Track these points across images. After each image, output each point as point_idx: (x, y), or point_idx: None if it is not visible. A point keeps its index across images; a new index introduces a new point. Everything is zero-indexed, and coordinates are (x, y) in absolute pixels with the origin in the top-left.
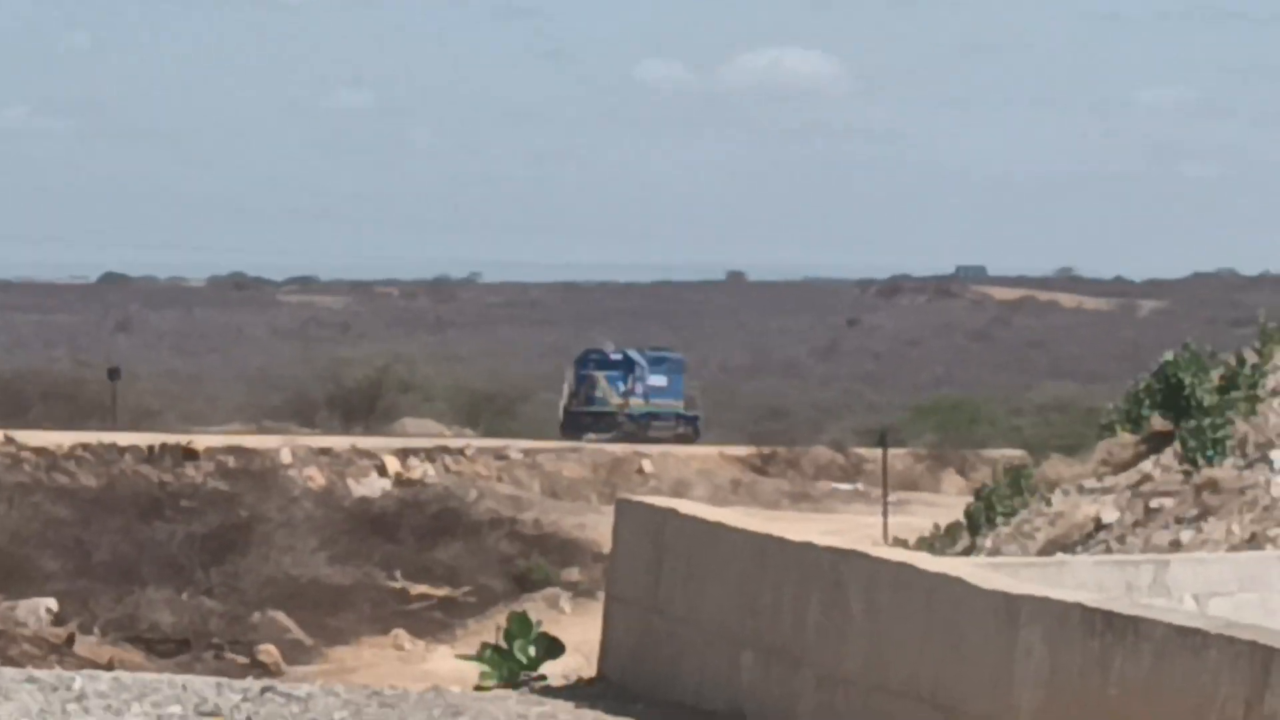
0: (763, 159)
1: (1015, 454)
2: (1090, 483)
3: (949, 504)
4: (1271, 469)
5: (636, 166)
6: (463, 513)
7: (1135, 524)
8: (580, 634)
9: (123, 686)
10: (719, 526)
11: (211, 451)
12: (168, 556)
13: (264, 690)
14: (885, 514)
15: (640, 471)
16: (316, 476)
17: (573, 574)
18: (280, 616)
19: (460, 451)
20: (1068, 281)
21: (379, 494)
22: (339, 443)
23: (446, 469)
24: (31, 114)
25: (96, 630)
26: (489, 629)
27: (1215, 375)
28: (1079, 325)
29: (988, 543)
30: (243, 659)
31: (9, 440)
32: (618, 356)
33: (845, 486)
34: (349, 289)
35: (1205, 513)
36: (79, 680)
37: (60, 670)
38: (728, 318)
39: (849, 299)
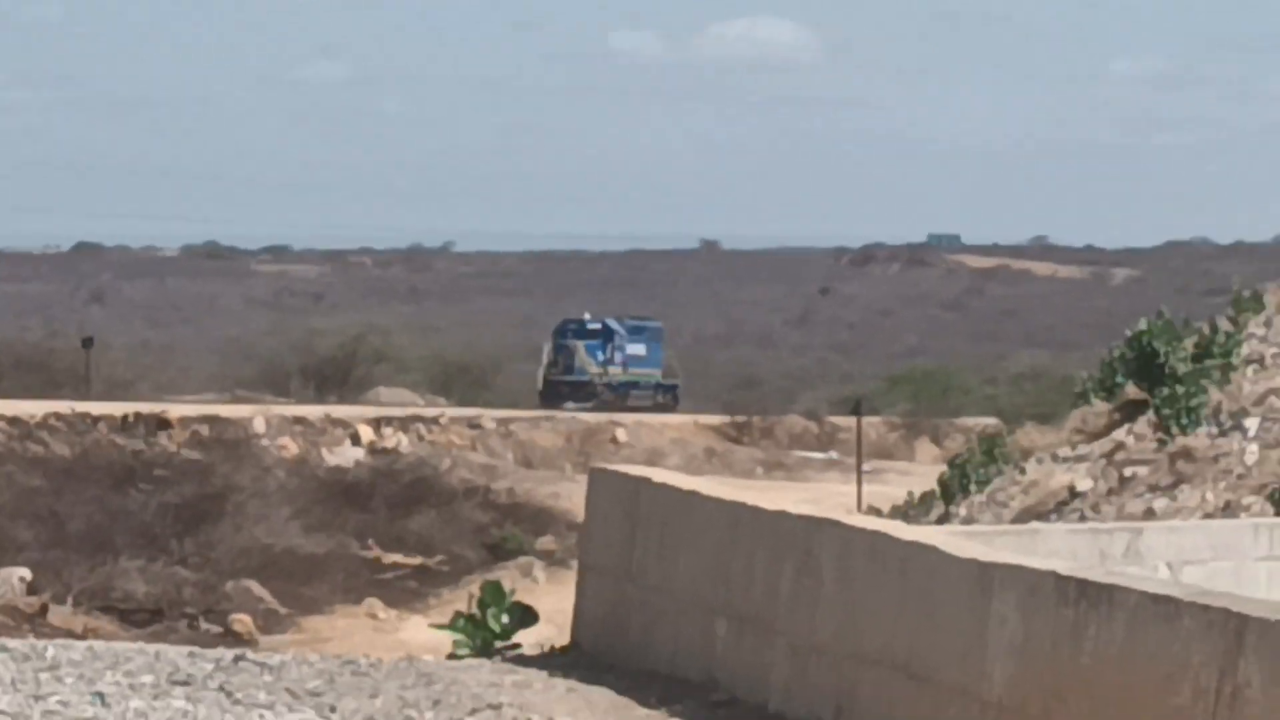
0: (736, 129)
1: (989, 423)
2: (1064, 451)
3: (923, 473)
4: (1245, 437)
5: (609, 137)
6: (436, 482)
7: (1109, 492)
8: (554, 603)
9: (96, 656)
10: (692, 495)
11: (185, 421)
12: (141, 526)
13: (237, 659)
14: (859, 483)
15: (614, 440)
16: (290, 446)
17: (547, 543)
18: (254, 586)
19: (434, 420)
20: (1041, 250)
21: (353, 463)
22: (313, 412)
23: (420, 438)
24: (3, 85)
25: (70, 600)
26: (463, 598)
27: (1189, 344)
28: (1053, 294)
29: (962, 511)
30: (216, 628)
31: None
32: (596, 325)
33: (819, 455)
34: (323, 258)
35: (1179, 481)
36: (52, 649)
37: (34, 640)
38: (701, 287)
39: (822, 268)
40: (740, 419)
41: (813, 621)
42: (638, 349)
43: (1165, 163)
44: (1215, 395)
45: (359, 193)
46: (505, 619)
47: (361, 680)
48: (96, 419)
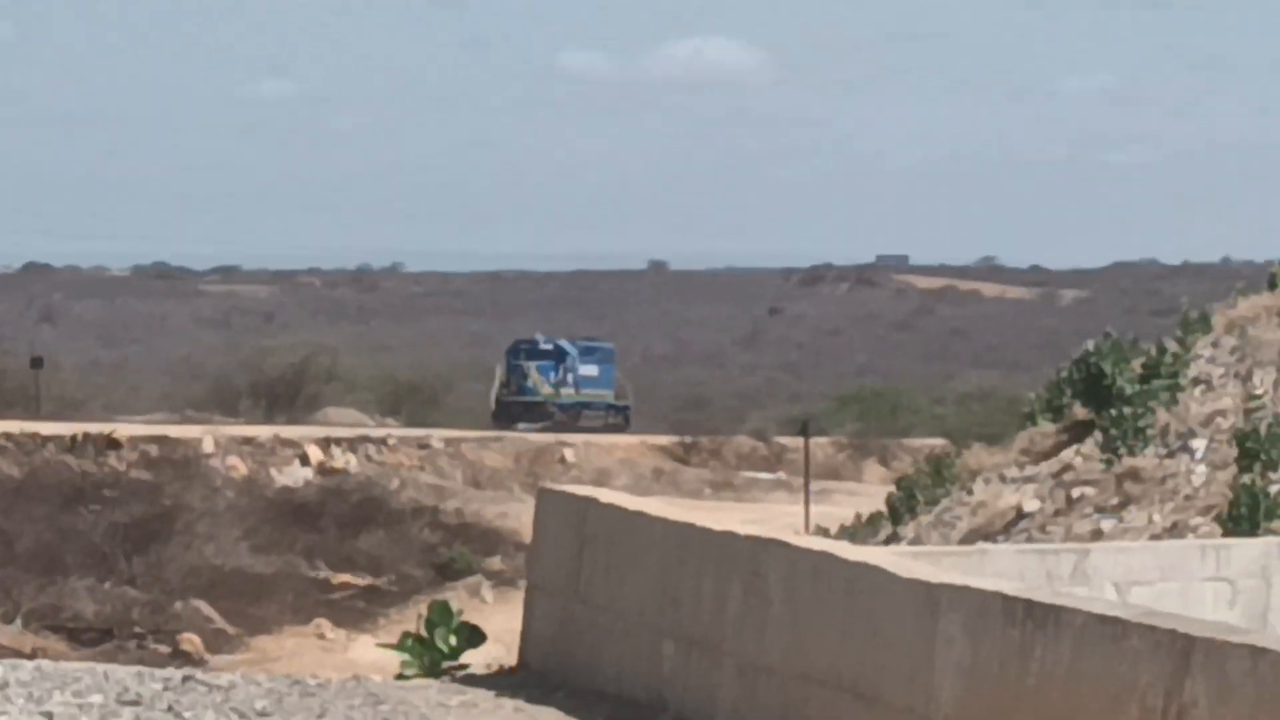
0: (684, 148)
1: (937, 443)
2: (1012, 472)
3: (871, 493)
4: (1193, 458)
5: (559, 155)
6: (385, 502)
7: (1057, 513)
8: (502, 623)
9: (44, 675)
10: (640, 515)
11: (134, 441)
12: (90, 546)
13: (185, 679)
14: (807, 503)
15: (562, 461)
16: (239, 466)
17: (495, 563)
18: (203, 606)
19: (383, 441)
20: (989, 270)
21: (301, 483)
22: (262, 432)
23: (369, 458)
24: None
25: (19, 620)
26: (411, 618)
27: (1136, 364)
28: (1001, 314)
29: (910, 532)
30: (165, 648)
31: None
32: (549, 346)
33: (767, 476)
34: (272, 278)
35: (1126, 502)
36: (0, 670)
37: None
38: (649, 307)
39: (771, 288)
40: (688, 439)
41: (760, 642)
42: (590, 370)
43: (1114, 182)
44: (1163, 416)
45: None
46: (453, 639)
47: (309, 700)
48: (46, 439)
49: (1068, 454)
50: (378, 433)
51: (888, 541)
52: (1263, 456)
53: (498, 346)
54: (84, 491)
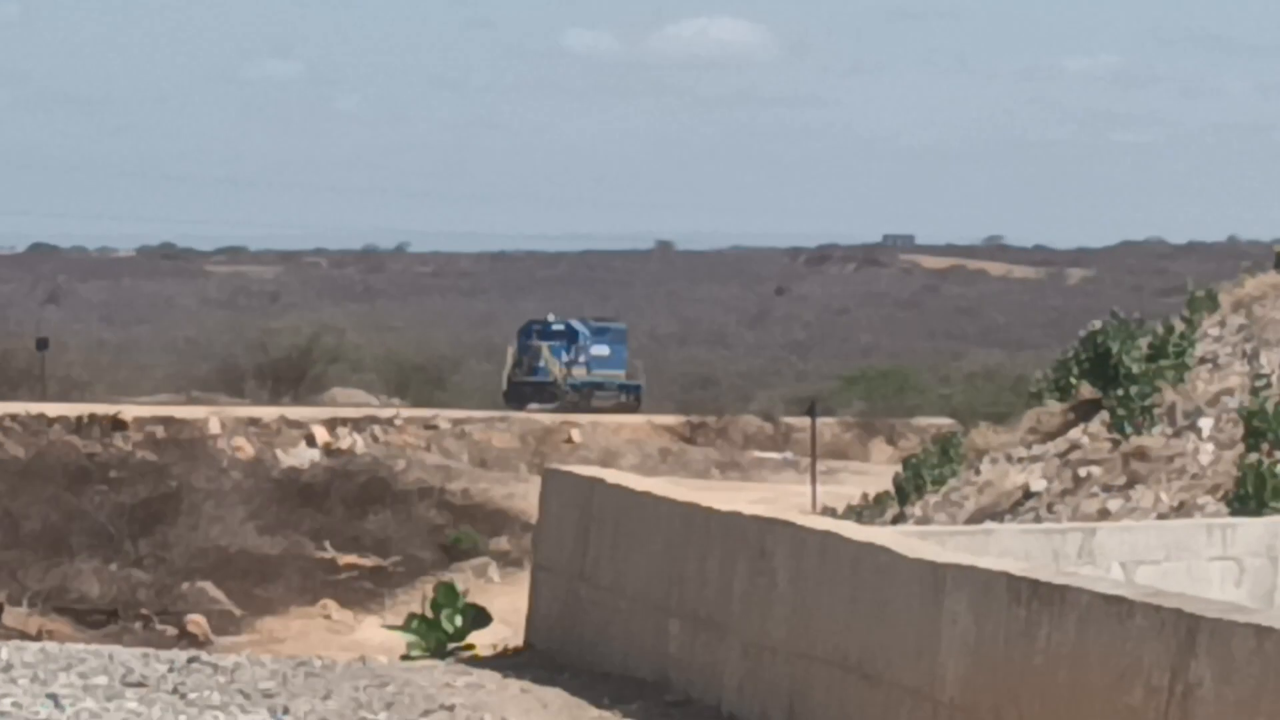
0: (690, 128)
1: (944, 423)
2: (1019, 451)
3: (878, 473)
4: (1200, 437)
5: (564, 135)
6: (391, 482)
7: (1064, 492)
8: (509, 603)
9: (49, 657)
10: (646, 496)
11: (140, 422)
12: (96, 527)
13: (190, 660)
14: (814, 483)
15: (569, 441)
16: (245, 447)
17: (501, 544)
18: (209, 587)
19: (389, 421)
20: (996, 250)
21: (307, 464)
22: (268, 413)
23: (375, 439)
24: None
25: (25, 601)
26: (418, 599)
27: (1143, 344)
28: (1007, 294)
29: (916, 511)
30: (171, 629)
31: None
32: (560, 327)
33: (774, 455)
34: (278, 259)
35: (1133, 481)
36: (5, 651)
37: None
38: (656, 287)
39: (777, 268)
40: (695, 419)
41: (766, 622)
42: (602, 350)
43: (1120, 161)
44: (1169, 395)
45: (313, 191)
46: (459, 620)
47: (315, 681)
48: (52, 420)
49: (1074, 433)
50: (384, 413)
51: (895, 521)
52: (1269, 435)
53: (504, 327)
54: (90, 473)
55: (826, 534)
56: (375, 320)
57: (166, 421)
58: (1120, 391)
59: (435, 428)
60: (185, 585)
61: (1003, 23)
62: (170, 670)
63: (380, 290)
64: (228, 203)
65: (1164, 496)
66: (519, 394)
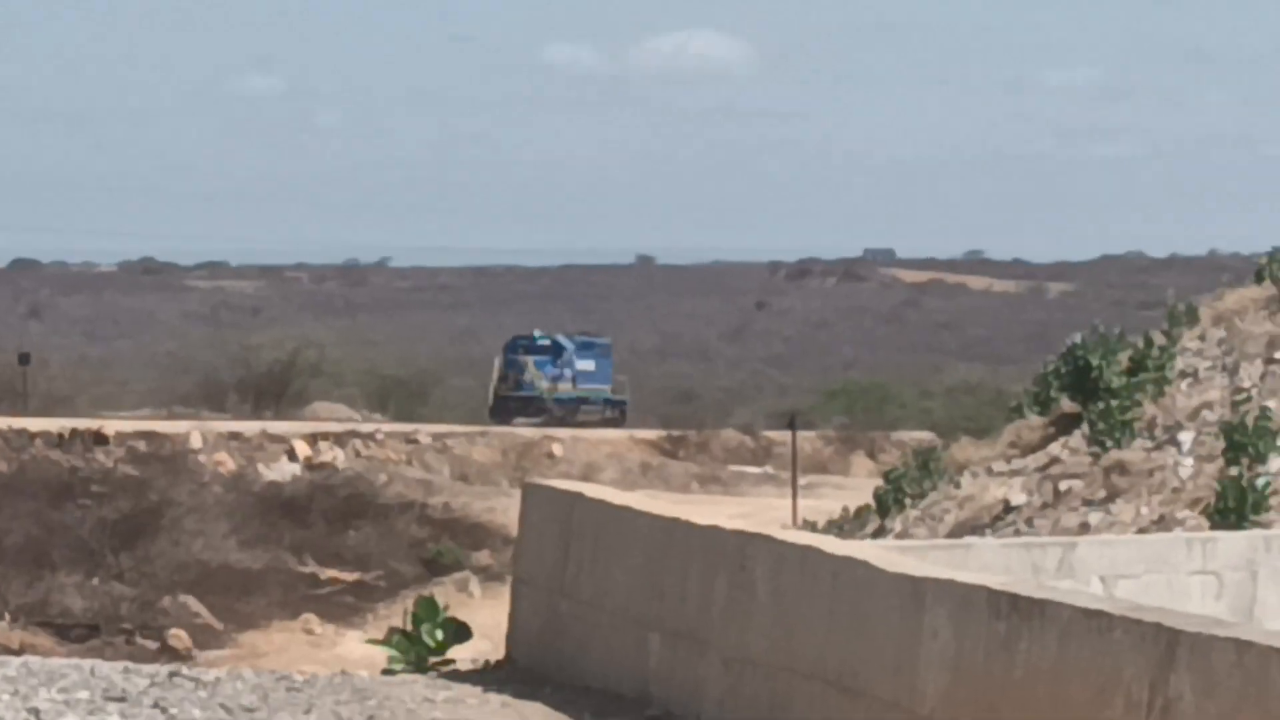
0: (671, 142)
1: (924, 436)
2: (999, 465)
3: (858, 487)
4: (1180, 451)
5: (544, 150)
6: (373, 497)
7: (1044, 506)
8: (490, 617)
9: (30, 672)
10: (626, 510)
11: (122, 436)
12: (78, 541)
13: (171, 675)
14: (794, 497)
15: (550, 455)
16: (226, 461)
17: (483, 558)
18: (190, 601)
19: (370, 436)
20: (976, 264)
21: (289, 478)
22: (249, 427)
23: (356, 453)
24: None
25: (7, 616)
26: (399, 613)
27: (1123, 357)
28: (987, 307)
29: (897, 525)
30: (153, 644)
31: None
32: (546, 341)
33: (754, 470)
34: (259, 274)
35: (1113, 495)
36: None
37: None
38: (636, 301)
39: (757, 282)
40: (676, 433)
41: (746, 636)
42: (587, 365)
43: (1100, 175)
44: (1149, 409)
45: (295, 206)
46: (440, 634)
47: (296, 696)
48: (34, 435)
49: (1055, 447)
50: (365, 428)
51: (875, 535)
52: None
53: (485, 341)
54: (72, 487)
55: (807, 548)
56: (357, 335)
57: (148, 436)
58: (1100, 405)
59: (416, 442)
60: (167, 599)
61: (983, 37)
62: (152, 685)
63: (361, 305)
64: (209, 217)
65: (1144, 510)
66: (504, 409)
